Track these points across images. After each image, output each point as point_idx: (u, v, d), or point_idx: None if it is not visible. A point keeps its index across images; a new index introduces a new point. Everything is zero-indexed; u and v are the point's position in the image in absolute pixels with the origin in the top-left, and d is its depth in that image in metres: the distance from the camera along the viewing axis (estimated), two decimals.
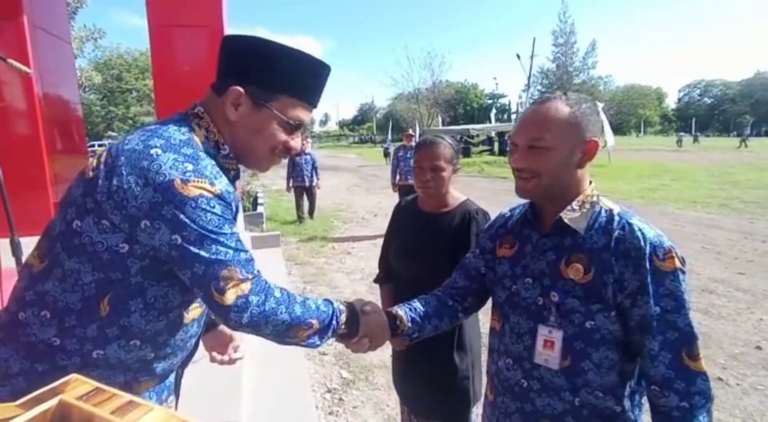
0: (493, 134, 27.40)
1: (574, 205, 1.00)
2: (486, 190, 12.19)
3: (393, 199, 6.72)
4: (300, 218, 8.46)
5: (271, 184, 14.08)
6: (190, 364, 1.15)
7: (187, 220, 0.81)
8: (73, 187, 0.87)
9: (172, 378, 1.06)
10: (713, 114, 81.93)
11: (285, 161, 8.22)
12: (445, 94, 48.95)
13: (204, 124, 0.95)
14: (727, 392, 2.86)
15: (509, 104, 62.17)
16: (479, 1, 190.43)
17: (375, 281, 1.93)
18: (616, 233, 0.94)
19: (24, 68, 2.01)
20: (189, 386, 1.19)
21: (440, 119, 42.30)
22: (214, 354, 1.20)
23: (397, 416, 2.34)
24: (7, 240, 1.73)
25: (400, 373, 1.75)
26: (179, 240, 0.82)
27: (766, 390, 2.88)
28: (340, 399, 2.87)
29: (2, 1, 3.57)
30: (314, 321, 0.98)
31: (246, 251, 0.90)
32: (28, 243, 1.19)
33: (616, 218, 0.97)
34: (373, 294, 4.30)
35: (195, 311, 1.00)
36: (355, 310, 1.09)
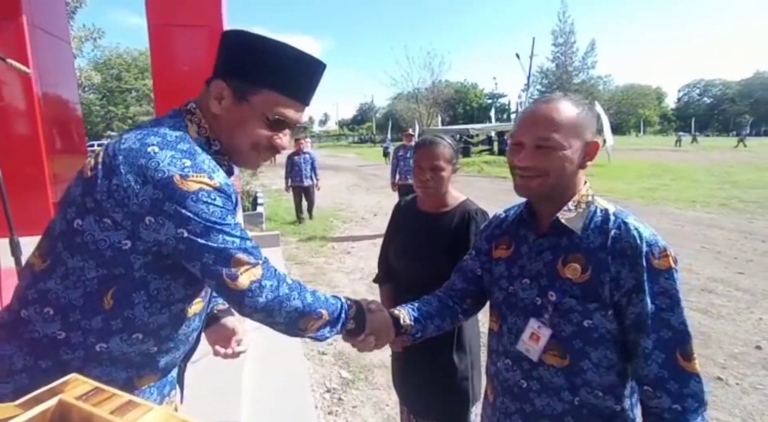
0: (492, 134, 27.41)
1: (570, 205, 1.01)
2: (485, 189, 12.20)
3: (393, 198, 6.73)
4: (299, 218, 8.47)
5: (270, 183, 14.07)
6: (190, 364, 1.15)
7: (190, 214, 0.82)
8: (72, 187, 0.88)
9: (174, 372, 1.07)
10: (713, 114, 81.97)
11: (284, 161, 8.26)
12: (444, 94, 48.97)
13: (196, 120, 0.96)
14: (727, 392, 2.87)
15: (509, 104, 62.28)
16: (479, 0, 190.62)
17: (374, 281, 1.93)
18: (612, 232, 0.95)
19: (23, 68, 2.01)
20: (189, 385, 1.19)
21: (440, 119, 42.32)
22: (218, 347, 1.19)
23: (396, 416, 2.34)
24: (6, 240, 1.74)
25: (399, 373, 1.75)
26: (185, 234, 0.83)
27: (766, 389, 2.88)
28: (340, 398, 2.87)
29: (2, 1, 3.57)
30: (324, 312, 0.99)
31: (251, 239, 0.91)
32: (28, 244, 1.19)
33: (612, 218, 0.98)
34: (372, 294, 4.31)
35: (197, 305, 1.01)
36: (361, 307, 1.10)
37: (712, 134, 69.90)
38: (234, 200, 0.91)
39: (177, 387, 1.10)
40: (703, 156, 23.27)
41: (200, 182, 0.83)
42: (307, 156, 8.31)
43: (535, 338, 1.01)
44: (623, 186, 12.45)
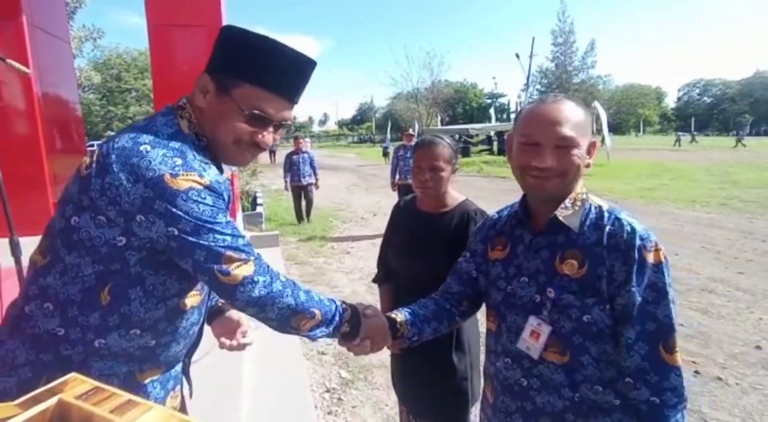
0: (492, 134, 27.41)
1: (567, 203, 1.02)
2: (485, 189, 12.20)
3: (392, 198, 6.73)
4: (299, 218, 8.47)
5: (270, 183, 14.07)
6: (190, 364, 1.15)
7: (180, 213, 0.83)
8: (70, 185, 0.90)
9: (178, 368, 1.07)
10: (712, 113, 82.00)
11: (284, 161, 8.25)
12: (444, 94, 48.93)
13: (186, 115, 0.96)
14: (727, 391, 2.87)
15: (508, 104, 62.17)
16: (479, 0, 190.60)
17: (374, 281, 1.93)
18: (607, 228, 0.97)
19: (23, 68, 2.01)
20: None
21: (439, 119, 42.33)
22: (223, 339, 1.19)
23: (395, 416, 2.34)
24: (6, 240, 1.74)
25: (398, 373, 1.75)
26: (176, 232, 0.84)
27: (766, 389, 2.88)
28: (339, 398, 2.87)
29: (1, 1, 3.57)
30: (317, 312, 1.00)
31: (243, 237, 0.92)
32: (28, 244, 1.20)
33: (606, 214, 1.00)
34: (372, 294, 4.31)
35: (194, 298, 1.01)
36: (357, 311, 1.11)
37: (712, 134, 69.86)
38: (226, 198, 0.91)
39: (183, 382, 1.11)
40: (703, 155, 23.29)
41: (191, 181, 0.84)
42: (305, 155, 8.32)
43: (535, 335, 1.01)
44: (623, 186, 12.46)
